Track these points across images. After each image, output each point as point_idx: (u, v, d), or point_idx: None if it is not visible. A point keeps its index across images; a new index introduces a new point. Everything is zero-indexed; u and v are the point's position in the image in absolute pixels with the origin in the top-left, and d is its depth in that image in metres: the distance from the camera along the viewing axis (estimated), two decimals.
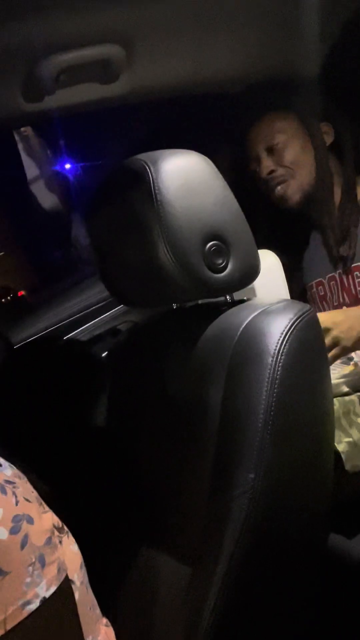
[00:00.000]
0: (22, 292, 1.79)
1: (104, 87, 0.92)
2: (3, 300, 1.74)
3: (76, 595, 0.50)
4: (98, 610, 0.56)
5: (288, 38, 1.03)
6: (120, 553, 0.68)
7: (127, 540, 0.67)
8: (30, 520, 0.45)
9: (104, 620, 0.58)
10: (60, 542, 0.50)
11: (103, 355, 1.05)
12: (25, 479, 0.49)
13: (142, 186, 0.62)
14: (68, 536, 0.52)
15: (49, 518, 0.48)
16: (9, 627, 0.42)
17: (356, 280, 1.05)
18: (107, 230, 0.72)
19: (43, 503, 0.49)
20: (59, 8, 0.75)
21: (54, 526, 0.49)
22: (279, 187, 1.08)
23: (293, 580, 0.55)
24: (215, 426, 0.57)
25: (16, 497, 0.45)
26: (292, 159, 1.07)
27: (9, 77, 0.78)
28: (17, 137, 1.62)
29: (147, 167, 0.63)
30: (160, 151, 0.66)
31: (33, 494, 0.48)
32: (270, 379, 0.53)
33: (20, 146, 1.63)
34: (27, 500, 0.47)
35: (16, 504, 0.45)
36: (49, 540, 0.46)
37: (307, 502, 0.55)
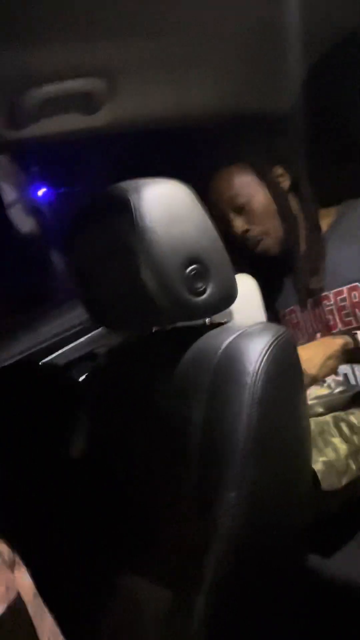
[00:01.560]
0: None
1: (85, 117, 0.95)
2: None
3: (34, 621, 0.49)
4: (61, 637, 0.55)
5: (264, 78, 1.09)
6: (101, 578, 0.67)
7: (108, 563, 0.66)
8: None
9: None
10: (16, 574, 0.49)
11: (80, 379, 1.05)
12: None
13: (124, 213, 0.65)
14: (19, 568, 0.51)
15: None
16: None
17: (325, 309, 1.09)
18: (89, 254, 0.73)
19: None
20: (44, 42, 0.78)
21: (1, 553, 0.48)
22: (258, 247, 1.10)
23: (275, 598, 0.55)
24: (198, 447, 0.58)
25: None
26: (262, 215, 1.09)
27: None
28: None
29: (129, 195, 0.65)
30: (143, 180, 0.69)
31: None
32: (250, 398, 0.55)
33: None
34: None
35: None
36: None
37: (287, 520, 0.56)
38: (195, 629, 0.49)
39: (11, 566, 0.49)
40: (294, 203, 1.13)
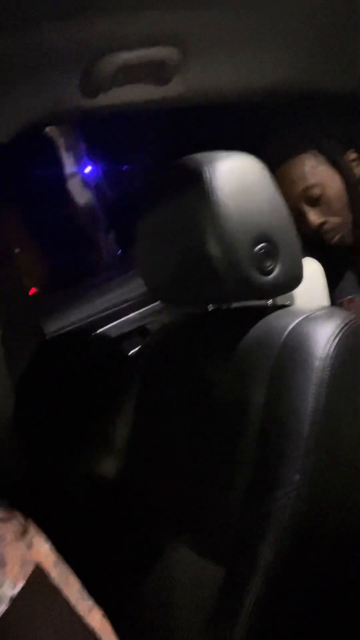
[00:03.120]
0: (34, 290, 1.81)
1: (156, 88, 0.93)
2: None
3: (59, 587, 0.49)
4: (91, 602, 0.55)
5: (338, 55, 1.03)
6: (142, 549, 0.67)
7: (151, 536, 0.67)
8: None
9: (100, 612, 0.56)
10: (30, 544, 0.49)
11: (132, 352, 1.05)
12: None
13: (198, 185, 0.63)
14: (39, 535, 0.51)
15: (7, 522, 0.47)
16: None
17: None
18: (156, 226, 0.72)
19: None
20: (122, 8, 0.77)
21: (15, 529, 0.48)
22: (335, 239, 1.04)
23: (332, 591, 0.54)
24: (256, 428, 0.57)
25: None
26: (338, 206, 1.02)
27: (71, 71, 0.80)
28: (55, 134, 1.65)
29: (204, 166, 0.64)
30: (217, 152, 0.67)
31: None
32: (319, 381, 0.54)
33: (59, 142, 1.66)
34: None
35: None
36: (1, 539, 0.45)
37: (351, 509, 0.54)
38: (247, 611, 0.49)
39: (25, 537, 0.49)
40: None
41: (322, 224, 1.04)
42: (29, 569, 0.46)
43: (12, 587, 0.43)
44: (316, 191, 1.02)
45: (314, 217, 1.03)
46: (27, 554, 0.47)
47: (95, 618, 0.54)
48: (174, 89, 0.95)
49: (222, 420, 0.64)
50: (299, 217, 1.04)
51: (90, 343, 1.03)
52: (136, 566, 0.67)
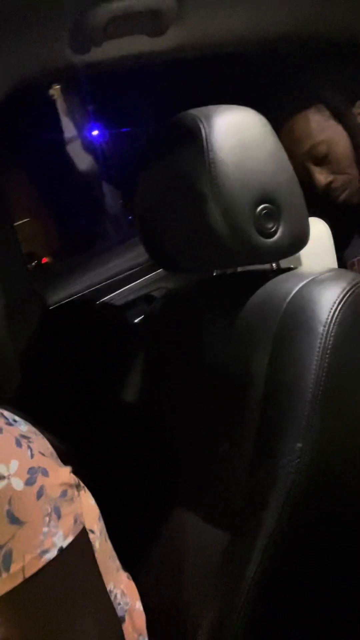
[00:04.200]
0: (46, 259, 1.79)
1: (151, 40, 0.88)
2: (28, 266, 1.74)
3: (96, 544, 0.51)
4: (118, 562, 0.57)
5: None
6: (153, 513, 0.68)
7: (160, 500, 0.67)
8: (45, 473, 0.46)
9: (125, 573, 0.59)
10: (79, 497, 0.51)
11: (137, 320, 1.04)
12: (41, 435, 0.50)
13: (194, 142, 0.60)
14: (85, 490, 0.54)
15: (65, 473, 0.49)
16: (27, 574, 0.43)
17: None
18: (155, 189, 0.69)
19: (58, 459, 0.50)
20: None
21: (70, 481, 0.50)
22: (342, 197, 1.00)
23: (336, 558, 0.54)
24: (260, 394, 0.56)
25: (31, 450, 0.46)
26: (346, 163, 0.97)
27: (58, 25, 0.75)
28: (54, 96, 1.59)
29: (200, 122, 0.60)
30: (215, 106, 0.63)
31: (48, 449, 0.50)
32: (322, 347, 0.52)
33: (58, 105, 1.60)
34: (42, 454, 0.48)
35: (31, 457, 0.46)
36: (64, 493, 0.47)
37: (354, 478, 0.53)
38: (251, 573, 0.49)
39: (77, 492, 0.51)
40: None
41: (330, 182, 0.99)
42: (79, 527, 0.48)
43: (63, 539, 0.46)
44: (323, 149, 0.97)
45: (320, 176, 0.99)
46: (79, 511, 0.49)
47: (122, 578, 0.56)
48: (170, 40, 0.89)
49: (228, 386, 0.63)
50: (305, 177, 1.00)
51: (94, 312, 1.02)
52: (145, 526, 0.68)
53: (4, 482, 0.43)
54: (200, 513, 0.62)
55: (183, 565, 0.60)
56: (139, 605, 0.59)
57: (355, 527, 0.53)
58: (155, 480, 0.70)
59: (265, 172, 0.61)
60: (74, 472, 0.52)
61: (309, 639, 0.53)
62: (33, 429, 0.50)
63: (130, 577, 0.61)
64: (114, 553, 0.57)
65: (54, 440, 0.52)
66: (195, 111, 0.62)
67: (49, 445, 0.50)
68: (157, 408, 0.77)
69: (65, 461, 0.52)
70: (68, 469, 0.50)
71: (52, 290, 1.09)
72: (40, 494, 0.45)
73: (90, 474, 0.56)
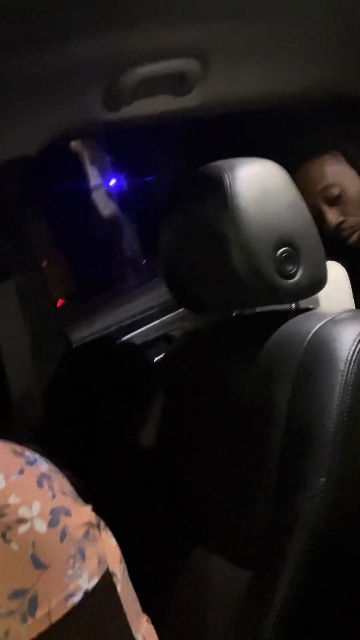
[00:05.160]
0: (61, 302, 1.84)
1: (177, 99, 0.95)
2: None
3: (119, 588, 0.50)
4: (139, 605, 0.56)
5: (356, 61, 1.04)
6: (171, 553, 0.68)
7: (179, 540, 0.67)
8: (67, 513, 0.45)
9: (145, 616, 0.57)
10: (101, 538, 0.50)
11: (157, 359, 1.06)
12: (61, 474, 0.49)
13: (218, 191, 0.64)
14: (106, 531, 0.52)
15: (87, 512, 0.48)
16: (54, 619, 0.42)
17: None
18: (178, 233, 0.73)
19: (79, 498, 0.49)
20: (144, 22, 0.79)
21: (92, 520, 0.49)
22: (354, 237, 1.05)
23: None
24: (281, 430, 0.57)
25: (53, 490, 0.46)
26: (356, 206, 1.03)
27: (94, 86, 0.82)
28: (81, 147, 1.69)
29: (224, 173, 0.65)
30: (237, 158, 0.68)
31: (69, 488, 0.49)
32: (343, 384, 0.53)
33: (85, 155, 1.69)
34: (64, 493, 0.47)
35: (53, 497, 0.45)
36: (87, 533, 0.46)
37: None
38: (273, 616, 0.48)
39: (99, 532, 0.50)
40: None
41: (341, 223, 1.04)
42: (104, 568, 0.47)
43: (88, 581, 0.44)
44: (335, 190, 1.03)
45: (332, 216, 1.04)
46: (102, 551, 0.48)
47: (142, 623, 0.55)
48: (195, 99, 0.96)
49: (248, 424, 0.64)
50: (317, 216, 1.05)
51: (115, 351, 1.05)
52: (164, 566, 0.67)
53: (27, 526, 0.42)
54: (221, 552, 0.61)
55: (203, 606, 0.59)
56: None
57: None
58: (175, 519, 0.70)
59: (285, 218, 0.65)
60: (96, 511, 0.52)
61: None
62: (53, 467, 0.49)
63: (150, 621, 0.59)
64: (135, 596, 0.56)
65: (72, 478, 0.52)
66: (220, 163, 0.67)
67: (69, 484, 0.50)
68: (176, 448, 0.77)
69: (85, 500, 0.52)
70: (89, 507, 0.49)
71: (78, 329, 1.12)
72: (63, 536, 0.44)
73: (110, 514, 0.56)
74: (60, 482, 0.48)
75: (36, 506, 0.44)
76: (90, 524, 0.48)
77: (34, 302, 0.96)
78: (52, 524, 0.44)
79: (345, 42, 0.99)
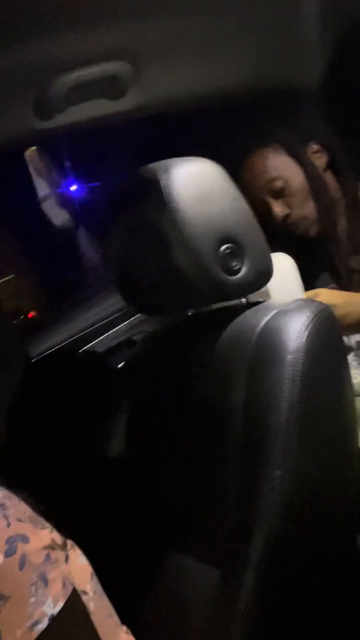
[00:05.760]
0: (32, 313, 1.81)
1: (112, 103, 0.94)
2: (15, 321, 1.76)
3: (91, 606, 0.49)
4: (117, 618, 0.55)
5: (290, 51, 1.05)
6: (147, 560, 0.67)
7: (153, 546, 0.67)
8: (25, 540, 0.44)
9: (124, 628, 0.57)
10: (67, 557, 0.49)
11: (119, 366, 1.05)
12: (17, 499, 0.48)
13: (155, 193, 0.64)
14: (74, 549, 0.52)
15: (46, 535, 0.47)
16: None
17: None
18: (123, 239, 0.73)
19: (39, 521, 0.48)
20: (68, 28, 0.78)
21: (54, 542, 0.48)
22: (299, 230, 1.06)
23: (323, 579, 0.54)
24: (239, 428, 0.58)
25: (7, 519, 0.45)
26: (301, 197, 1.03)
27: (22, 97, 0.80)
28: (26, 158, 1.66)
29: (159, 175, 0.64)
30: (171, 159, 0.68)
31: (25, 513, 0.48)
32: (292, 375, 0.54)
33: (30, 166, 1.67)
34: (20, 520, 0.46)
35: (8, 526, 0.44)
36: (48, 557, 0.46)
37: (335, 499, 0.54)
38: (243, 608, 0.49)
39: (64, 553, 0.49)
40: (331, 181, 1.08)
41: (287, 215, 1.05)
42: (69, 590, 0.46)
43: (53, 606, 0.44)
44: (279, 183, 1.03)
45: (278, 209, 1.05)
46: (67, 573, 0.47)
47: (120, 636, 0.54)
48: (130, 101, 0.95)
49: (209, 423, 0.64)
50: (264, 209, 1.05)
51: (76, 362, 1.03)
52: (138, 575, 0.67)
53: None
54: (192, 555, 0.61)
55: (179, 609, 0.59)
56: None
57: (338, 547, 0.53)
58: (145, 526, 0.69)
59: (224, 215, 0.65)
60: (62, 531, 0.51)
61: None
62: (8, 493, 0.48)
63: (129, 632, 0.59)
64: (111, 610, 0.55)
65: (31, 501, 0.51)
66: (155, 165, 0.66)
67: (27, 508, 0.48)
68: (144, 453, 0.77)
69: (51, 519, 0.50)
70: (48, 530, 0.48)
71: (34, 344, 1.10)
72: (22, 563, 0.43)
73: (79, 529, 0.55)
74: (17, 509, 0.47)
75: None
76: (51, 547, 0.47)
77: None
78: (8, 553, 0.43)
79: (272, 36, 1.00)
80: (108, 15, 0.81)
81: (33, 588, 0.43)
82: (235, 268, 0.65)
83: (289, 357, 0.55)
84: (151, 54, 0.89)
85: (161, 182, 0.63)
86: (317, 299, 0.63)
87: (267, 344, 0.59)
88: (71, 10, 0.76)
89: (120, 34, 0.84)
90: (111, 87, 0.89)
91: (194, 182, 0.65)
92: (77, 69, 0.82)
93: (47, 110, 0.86)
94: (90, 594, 0.51)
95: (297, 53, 1.08)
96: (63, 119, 0.89)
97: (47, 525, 0.50)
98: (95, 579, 0.53)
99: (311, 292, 0.88)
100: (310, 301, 0.64)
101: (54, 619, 0.44)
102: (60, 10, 0.75)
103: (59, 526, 0.51)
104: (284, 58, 1.07)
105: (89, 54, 0.83)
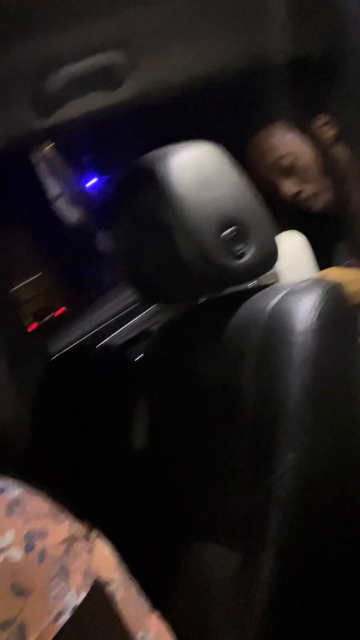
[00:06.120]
0: (63, 309, 1.84)
1: (111, 93, 0.93)
2: (43, 319, 1.80)
3: (118, 595, 0.50)
4: (147, 605, 0.56)
5: (289, 22, 1.01)
6: (168, 549, 0.68)
7: (174, 534, 0.67)
8: (43, 535, 0.45)
9: (155, 614, 0.57)
10: (90, 548, 0.50)
11: (139, 357, 1.06)
12: (36, 495, 0.48)
13: (153, 183, 0.63)
14: (99, 540, 0.52)
15: (65, 528, 0.48)
16: None
17: None
18: (127, 232, 0.72)
19: (58, 515, 0.49)
20: (59, 22, 0.77)
21: (75, 535, 0.48)
22: (314, 207, 1.02)
23: (343, 559, 0.53)
24: (251, 411, 0.57)
25: (25, 515, 0.45)
26: (312, 172, 1.00)
27: (20, 94, 0.80)
28: (37, 158, 1.67)
29: (157, 163, 0.63)
30: (169, 146, 0.67)
31: (44, 509, 0.48)
32: (302, 358, 0.53)
33: (41, 166, 1.68)
34: (37, 516, 0.46)
35: (25, 522, 0.45)
36: (68, 549, 0.46)
37: (352, 478, 0.53)
38: (262, 592, 0.49)
39: (87, 544, 0.50)
40: (341, 152, 1.05)
41: (298, 193, 1.02)
42: (91, 580, 0.46)
43: (75, 597, 0.44)
44: (287, 161, 1.00)
45: (287, 187, 1.01)
46: (90, 562, 0.48)
47: (152, 622, 0.55)
48: (129, 90, 0.94)
49: (222, 409, 0.64)
50: (273, 188, 1.02)
51: (95, 357, 1.04)
52: (166, 564, 0.68)
53: (2, 556, 0.42)
54: (213, 539, 0.61)
55: (200, 596, 0.60)
56: None
57: (356, 533, 0.52)
58: (166, 514, 0.70)
59: (226, 198, 0.64)
60: (85, 522, 0.51)
61: None
62: (25, 489, 0.48)
63: (161, 617, 0.59)
64: (141, 598, 0.56)
65: (50, 496, 0.51)
66: (152, 154, 0.66)
67: (45, 504, 0.49)
68: (161, 444, 0.77)
69: (72, 513, 0.51)
70: (67, 523, 0.49)
71: (55, 340, 1.12)
72: (42, 558, 0.44)
73: (102, 520, 0.56)
74: (34, 505, 0.48)
75: (9, 535, 0.43)
76: (71, 539, 0.48)
77: (8, 322, 0.96)
78: (28, 549, 0.44)
79: (273, 8, 0.96)
80: (98, 5, 0.80)
81: (55, 581, 0.44)
82: (241, 252, 0.63)
83: (299, 338, 0.54)
84: (145, 40, 0.88)
85: (158, 171, 0.63)
86: (327, 278, 0.61)
87: (276, 327, 0.57)
88: (60, 3, 0.75)
89: (112, 24, 0.83)
90: (108, 77, 0.89)
91: (193, 167, 0.64)
92: (72, 63, 0.82)
93: (47, 107, 0.86)
94: (117, 583, 0.51)
95: (301, 23, 1.04)
96: (64, 114, 0.89)
97: (67, 518, 0.50)
98: (122, 568, 0.54)
99: (323, 272, 0.85)
100: (320, 280, 0.62)
101: (77, 610, 0.44)
102: (49, 4, 0.74)
103: (81, 518, 0.52)
104: (286, 30, 1.03)
105: (82, 47, 0.83)
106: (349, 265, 1.09)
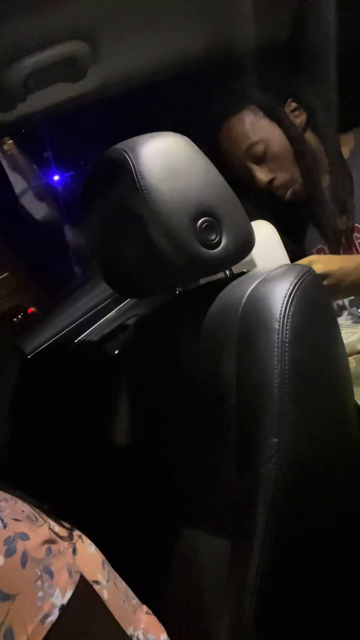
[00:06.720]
0: (32, 309, 1.80)
1: (74, 85, 0.92)
2: (15, 319, 1.76)
3: (105, 594, 0.50)
4: (135, 601, 0.56)
5: (253, 7, 1.01)
6: (159, 539, 0.68)
7: (164, 525, 0.68)
8: (24, 537, 0.45)
9: (144, 608, 0.58)
10: (74, 549, 0.50)
11: (116, 352, 1.05)
12: (13, 499, 0.49)
13: (124, 174, 0.62)
14: (82, 540, 0.52)
15: (46, 530, 0.48)
16: None
17: (356, 242, 1.03)
18: (99, 226, 0.72)
19: (38, 518, 0.49)
20: (18, 12, 0.75)
21: (56, 536, 0.49)
22: (287, 194, 1.03)
23: (332, 539, 0.55)
24: (233, 399, 0.57)
25: (3, 520, 0.45)
26: (284, 160, 1.00)
27: None
28: (9, 151, 1.63)
29: (126, 155, 0.63)
30: (138, 137, 0.66)
31: (23, 512, 0.48)
32: (280, 342, 0.53)
33: (4, 162, 1.64)
34: (16, 519, 0.46)
35: (4, 527, 0.45)
36: (49, 550, 0.46)
37: (336, 459, 0.54)
38: (251, 582, 0.50)
39: (70, 544, 0.50)
40: (311, 139, 1.05)
41: (271, 180, 1.02)
42: (76, 577, 0.47)
43: (61, 596, 0.44)
44: (259, 148, 1.00)
45: (261, 174, 1.02)
46: (73, 561, 0.48)
47: (140, 617, 0.55)
48: (93, 81, 0.93)
49: (204, 398, 0.64)
50: (247, 176, 1.03)
51: (72, 353, 1.03)
52: (152, 553, 0.68)
53: None
54: (203, 528, 0.62)
55: (195, 583, 0.60)
56: (164, 637, 0.58)
57: (342, 502, 0.54)
58: (154, 506, 0.70)
59: (197, 188, 0.63)
60: (67, 522, 0.51)
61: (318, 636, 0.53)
62: (3, 494, 0.48)
63: (150, 611, 0.60)
64: (129, 594, 0.56)
65: (27, 498, 0.51)
66: (120, 145, 0.65)
67: (24, 507, 0.49)
68: (145, 435, 0.77)
69: (52, 514, 0.50)
70: (47, 525, 0.49)
71: (32, 339, 1.10)
72: (24, 561, 0.44)
73: (88, 518, 0.55)
74: (12, 509, 0.47)
75: None
76: (52, 540, 0.48)
77: None
78: (8, 553, 0.43)
79: None
80: None
81: (39, 582, 0.44)
82: (214, 241, 0.63)
83: (275, 324, 0.54)
84: (107, 29, 0.86)
85: (129, 162, 0.62)
86: (313, 267, 0.61)
87: (253, 313, 0.58)
88: None
89: (72, 12, 0.81)
90: (70, 69, 0.87)
91: (163, 158, 0.63)
92: (32, 55, 0.80)
93: (7, 100, 0.83)
94: (103, 582, 0.51)
95: (265, 7, 1.03)
96: (27, 107, 0.87)
97: (47, 520, 0.50)
98: (108, 567, 0.54)
99: (306, 259, 0.86)
100: (294, 266, 0.63)
101: (64, 609, 0.44)
102: None
103: (63, 519, 0.52)
104: (251, 15, 1.02)
105: (43, 37, 0.81)
106: (318, 252, 1.11)
